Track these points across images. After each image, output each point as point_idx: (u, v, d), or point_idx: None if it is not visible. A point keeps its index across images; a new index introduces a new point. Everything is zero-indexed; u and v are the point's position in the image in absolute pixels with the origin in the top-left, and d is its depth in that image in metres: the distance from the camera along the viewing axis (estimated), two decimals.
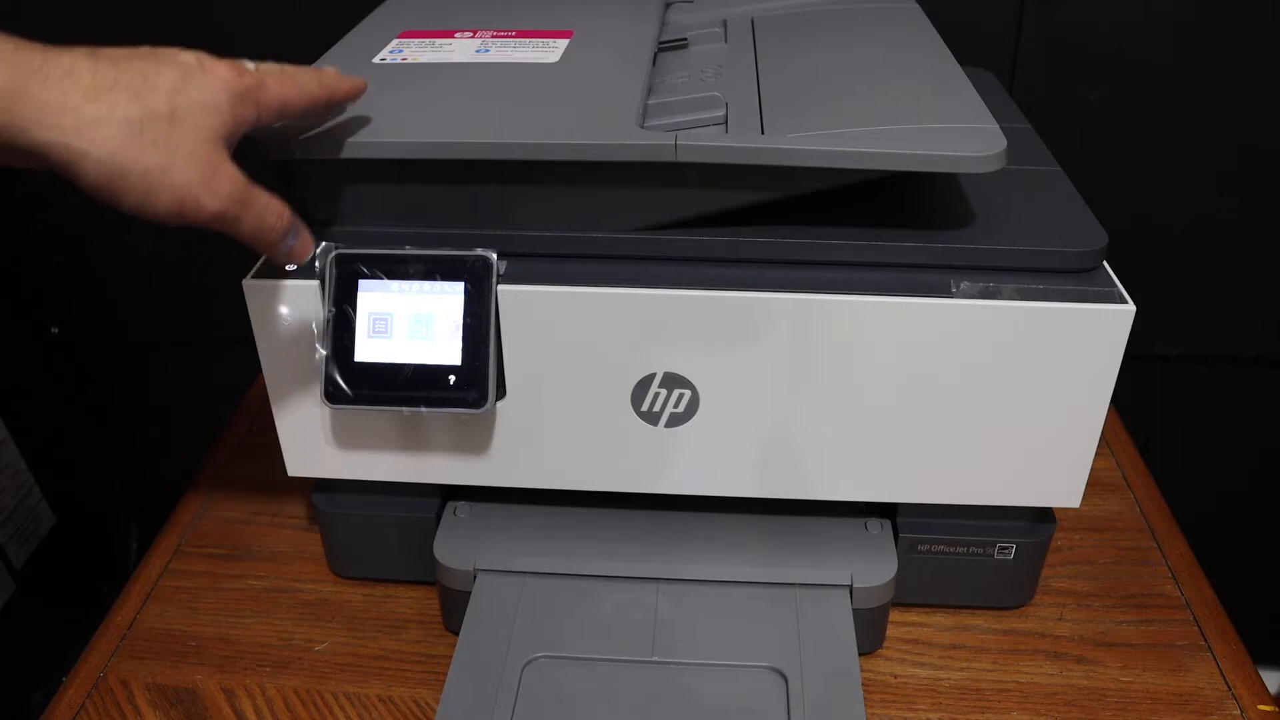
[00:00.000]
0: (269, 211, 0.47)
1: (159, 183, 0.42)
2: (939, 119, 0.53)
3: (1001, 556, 0.62)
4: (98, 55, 0.42)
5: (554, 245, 0.55)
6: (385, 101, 0.55)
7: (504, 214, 0.55)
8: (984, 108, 0.54)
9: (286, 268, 0.53)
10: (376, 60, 0.62)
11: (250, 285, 0.55)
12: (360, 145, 0.52)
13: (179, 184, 0.42)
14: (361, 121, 0.54)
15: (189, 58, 0.44)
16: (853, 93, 0.57)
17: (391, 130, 0.53)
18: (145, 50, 0.44)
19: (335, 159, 0.52)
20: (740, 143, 0.51)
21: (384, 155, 0.52)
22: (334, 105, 0.51)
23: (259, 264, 0.56)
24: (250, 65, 0.48)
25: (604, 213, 0.54)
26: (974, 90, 0.56)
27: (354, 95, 0.52)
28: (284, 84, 0.47)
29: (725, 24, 0.72)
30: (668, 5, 0.75)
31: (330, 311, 0.54)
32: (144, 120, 0.41)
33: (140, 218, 0.43)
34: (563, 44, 0.63)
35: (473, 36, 0.65)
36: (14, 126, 0.39)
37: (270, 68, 0.48)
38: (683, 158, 0.51)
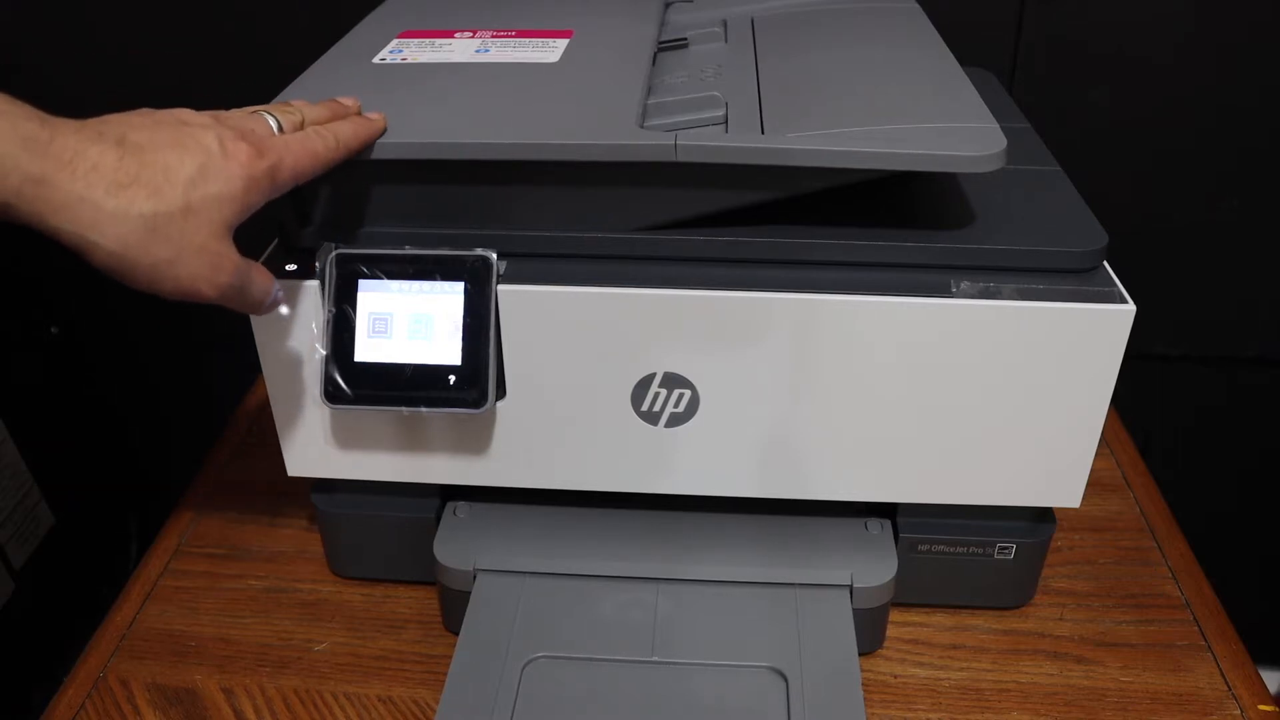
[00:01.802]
0: (258, 287, 0.49)
1: (165, 274, 0.44)
2: (939, 119, 0.53)
3: (1001, 556, 0.62)
4: (124, 145, 0.43)
5: (554, 245, 0.55)
6: (385, 102, 0.55)
7: (504, 214, 0.55)
8: (984, 107, 0.54)
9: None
10: (376, 60, 0.62)
11: None
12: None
13: (184, 276, 0.44)
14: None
15: (212, 141, 0.45)
16: (852, 92, 0.57)
17: (391, 131, 0.53)
18: (170, 130, 0.45)
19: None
20: (740, 143, 0.51)
21: (384, 156, 0.52)
22: (351, 156, 0.52)
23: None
24: (272, 125, 0.48)
25: (604, 213, 0.54)
26: (974, 90, 0.56)
27: (372, 140, 0.52)
28: (300, 158, 0.48)
29: (725, 24, 0.72)
30: (667, 5, 0.75)
31: (330, 311, 0.54)
32: (158, 217, 0.43)
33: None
34: (563, 44, 0.63)
35: (472, 36, 0.65)
36: (36, 214, 0.41)
37: (290, 136, 0.49)
38: (682, 158, 0.51)
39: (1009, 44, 0.94)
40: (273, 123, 0.49)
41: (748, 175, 0.52)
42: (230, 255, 0.46)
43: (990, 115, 0.53)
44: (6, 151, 0.39)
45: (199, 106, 0.48)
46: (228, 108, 0.49)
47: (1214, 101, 0.95)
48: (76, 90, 0.98)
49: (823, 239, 0.54)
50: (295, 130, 0.50)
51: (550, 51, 0.62)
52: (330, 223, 0.56)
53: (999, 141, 0.50)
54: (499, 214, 0.55)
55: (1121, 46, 0.93)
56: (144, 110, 0.46)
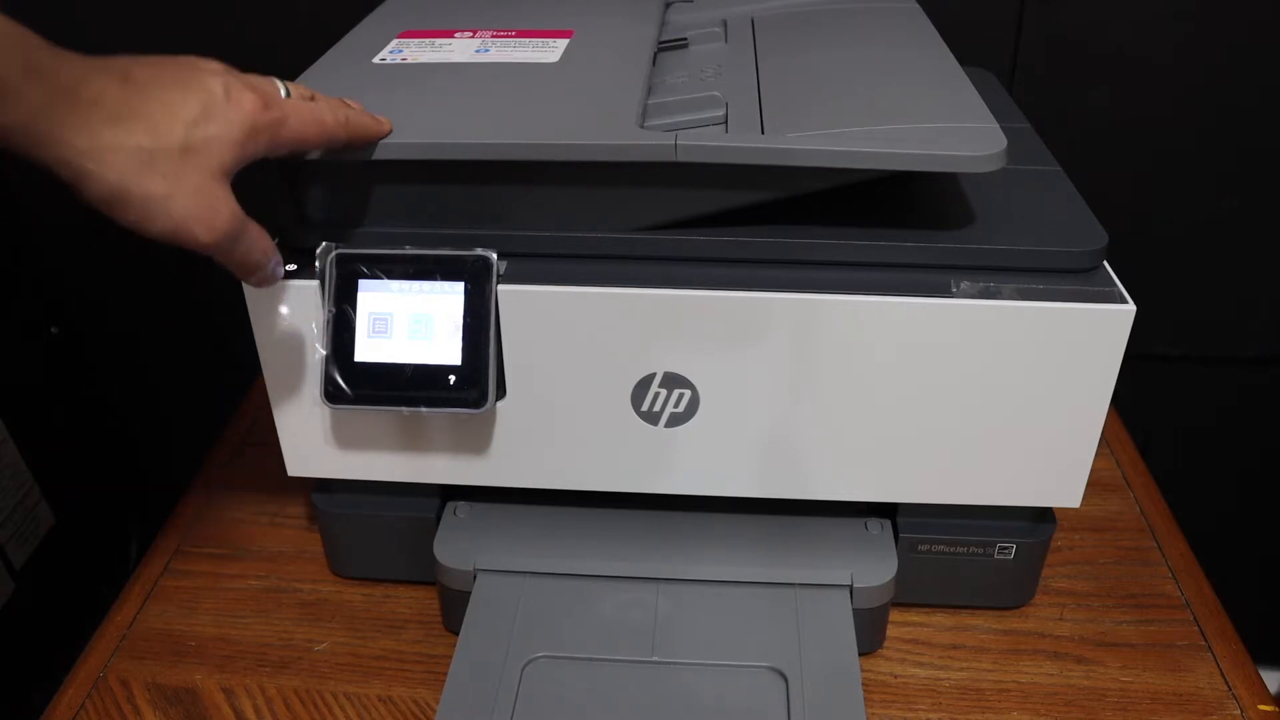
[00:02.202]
0: (255, 247, 0.48)
1: (159, 210, 0.43)
2: (939, 119, 0.53)
3: (1001, 556, 0.62)
4: (129, 80, 0.42)
5: (554, 245, 0.55)
6: (385, 102, 0.55)
7: (504, 214, 0.55)
8: (984, 107, 0.54)
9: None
10: (376, 60, 0.62)
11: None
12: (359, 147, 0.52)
13: (177, 214, 0.43)
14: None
15: (217, 86, 0.44)
16: (853, 92, 0.57)
17: (392, 131, 0.53)
18: (177, 70, 0.45)
19: (334, 160, 0.52)
20: (740, 143, 0.51)
21: (384, 156, 0.52)
22: (353, 147, 0.51)
23: None
24: (281, 91, 0.48)
25: (604, 213, 0.54)
26: (974, 90, 0.56)
27: (376, 137, 0.52)
28: (306, 122, 0.48)
29: (725, 24, 0.72)
30: (667, 5, 0.75)
31: (330, 311, 0.54)
32: (155, 152, 0.42)
33: (135, 233, 0.44)
34: (563, 44, 0.63)
35: (472, 36, 0.65)
36: (32, 143, 0.40)
37: (299, 100, 0.49)
38: (682, 158, 0.51)
39: (1009, 44, 0.94)
40: (282, 88, 0.49)
41: (748, 175, 0.52)
42: (227, 202, 0.45)
43: (990, 115, 0.53)
44: (11, 79, 0.39)
45: None
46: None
47: (1214, 101, 0.95)
48: None
49: (823, 239, 0.54)
50: (309, 100, 0.49)
51: (550, 51, 0.62)
52: (330, 223, 0.56)
53: (999, 141, 0.50)
54: (499, 214, 0.55)
55: (1121, 46, 0.93)
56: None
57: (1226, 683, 0.62)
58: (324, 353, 0.54)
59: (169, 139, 0.42)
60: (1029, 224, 0.56)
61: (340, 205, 0.55)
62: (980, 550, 0.62)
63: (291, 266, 0.55)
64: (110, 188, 0.42)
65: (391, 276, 0.54)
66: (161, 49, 0.46)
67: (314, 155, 0.51)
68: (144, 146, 0.42)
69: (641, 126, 0.54)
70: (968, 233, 0.55)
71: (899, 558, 0.61)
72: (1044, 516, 0.63)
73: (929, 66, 0.61)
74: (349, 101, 0.53)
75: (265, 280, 0.51)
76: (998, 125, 0.51)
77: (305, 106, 0.48)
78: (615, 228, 0.54)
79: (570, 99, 0.57)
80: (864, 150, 0.50)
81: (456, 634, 0.59)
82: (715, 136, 0.54)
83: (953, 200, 0.57)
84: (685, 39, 0.70)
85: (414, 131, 0.53)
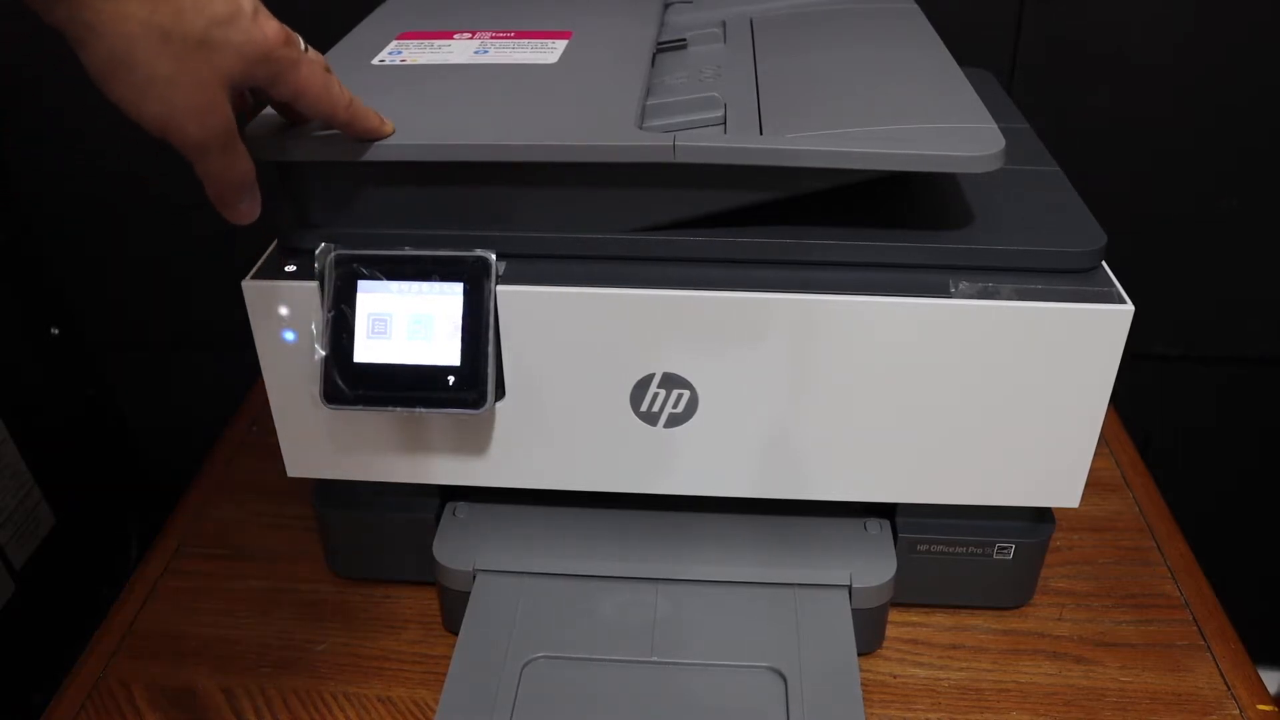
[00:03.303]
0: (238, 165, 0.48)
1: (158, 92, 0.43)
2: (938, 119, 0.53)
3: (1001, 556, 0.62)
4: None
5: (553, 246, 0.55)
6: (384, 103, 0.55)
7: (503, 215, 0.55)
8: (983, 108, 0.54)
9: (236, 221, 0.52)
10: (375, 61, 0.62)
11: (250, 286, 0.55)
12: (358, 147, 0.52)
13: (176, 100, 0.43)
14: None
15: (249, 5, 0.45)
16: (851, 93, 0.57)
17: (393, 133, 0.53)
18: None
19: (334, 161, 0.52)
20: (739, 143, 0.51)
21: (382, 157, 0.52)
22: (350, 133, 0.51)
23: (259, 264, 0.56)
24: (302, 44, 0.48)
25: (603, 214, 0.54)
26: (973, 90, 0.56)
27: (375, 136, 0.52)
28: (315, 80, 0.48)
29: (724, 24, 0.72)
30: (666, 6, 0.75)
31: (329, 312, 0.54)
32: (173, 33, 0.42)
33: (122, 113, 0.44)
34: (562, 45, 0.63)
35: (471, 38, 0.65)
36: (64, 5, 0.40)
37: (318, 63, 0.49)
38: (681, 158, 0.51)
39: (1008, 44, 0.94)
40: (302, 45, 0.49)
41: (746, 176, 0.52)
42: (224, 107, 0.45)
43: (989, 115, 0.53)
44: None
45: None
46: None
47: (1213, 101, 0.95)
48: (70, 84, 0.98)
49: (822, 239, 0.54)
50: (325, 68, 0.49)
51: (549, 52, 0.62)
52: (329, 224, 0.56)
53: (997, 141, 0.50)
54: (498, 216, 0.55)
55: (1121, 46, 0.93)
56: None
57: (1226, 683, 0.62)
58: (323, 353, 0.54)
59: (190, 27, 0.42)
60: (1028, 224, 0.56)
61: (338, 207, 0.55)
62: (979, 550, 0.62)
63: (291, 267, 0.55)
64: (117, 54, 0.41)
65: (391, 277, 0.54)
66: None
67: (313, 143, 0.51)
68: (164, 25, 0.42)
69: (640, 127, 0.54)
70: (966, 233, 0.55)
71: (898, 558, 0.61)
72: (1043, 516, 0.63)
73: (927, 67, 0.61)
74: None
75: (240, 213, 0.50)
76: (996, 126, 0.52)
77: (319, 70, 0.48)
78: (614, 228, 0.54)
79: (569, 100, 0.57)
80: (862, 151, 0.50)
81: (456, 634, 0.59)
82: (714, 137, 0.54)
83: (952, 200, 0.57)
84: (684, 40, 0.70)
85: (413, 132, 0.53)
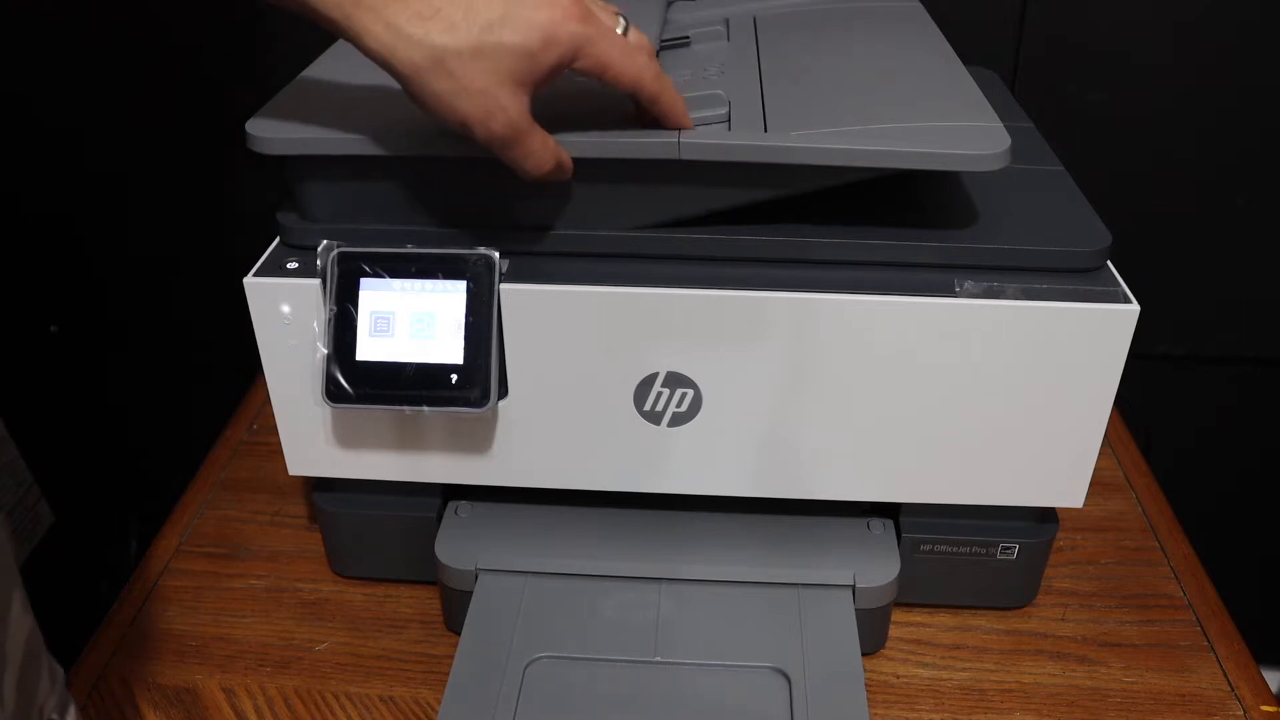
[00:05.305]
0: (532, 156, 0.49)
1: (445, 104, 0.46)
2: (943, 118, 0.53)
3: (1004, 557, 0.62)
4: None
5: (556, 243, 0.55)
6: (388, 97, 0.54)
7: (506, 212, 0.55)
8: (988, 106, 0.54)
9: None
10: None
11: (251, 284, 0.55)
12: (360, 142, 0.52)
13: (458, 111, 0.46)
14: (362, 118, 0.53)
15: None
16: (856, 91, 0.57)
17: (393, 127, 0.53)
18: None
19: (335, 155, 0.52)
20: (743, 141, 0.51)
21: (384, 152, 0.52)
22: (655, 109, 0.51)
23: (261, 262, 0.56)
24: (621, 22, 0.50)
25: (606, 211, 0.54)
26: (978, 89, 0.56)
27: (675, 124, 0.51)
28: (621, 56, 0.48)
29: (728, 22, 0.72)
30: (669, 3, 0.75)
31: (332, 310, 0.54)
32: (447, 51, 0.45)
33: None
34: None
35: None
36: (354, 34, 0.46)
37: (627, 41, 0.49)
38: (685, 156, 0.51)
39: (1011, 44, 0.94)
40: (622, 23, 0.50)
41: (751, 173, 0.52)
42: (508, 108, 0.46)
43: (994, 114, 0.53)
44: None
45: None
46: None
47: (1215, 101, 0.95)
48: (71, 84, 0.98)
49: (827, 239, 0.54)
50: (640, 47, 0.50)
51: None
52: (330, 219, 0.56)
53: (1003, 140, 0.50)
54: (502, 212, 0.55)
55: (1123, 46, 0.93)
56: None
57: (1229, 683, 0.61)
58: (325, 352, 0.54)
59: (462, 40, 0.45)
60: (1032, 224, 0.56)
61: (340, 202, 0.55)
62: (983, 550, 0.62)
63: (293, 265, 0.55)
64: (406, 80, 0.46)
65: (393, 275, 0.53)
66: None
67: (314, 138, 0.50)
68: (437, 45, 0.45)
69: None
70: (971, 232, 0.55)
71: (901, 558, 0.61)
72: (1047, 517, 0.63)
73: (932, 66, 0.61)
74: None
75: (545, 177, 0.51)
76: (1001, 124, 0.51)
77: (631, 45, 0.49)
78: (618, 226, 0.54)
79: (573, 97, 0.56)
80: (868, 149, 0.50)
81: (458, 634, 0.59)
82: (718, 135, 0.54)
83: (957, 199, 0.57)
84: (687, 38, 0.70)
85: (416, 126, 0.53)
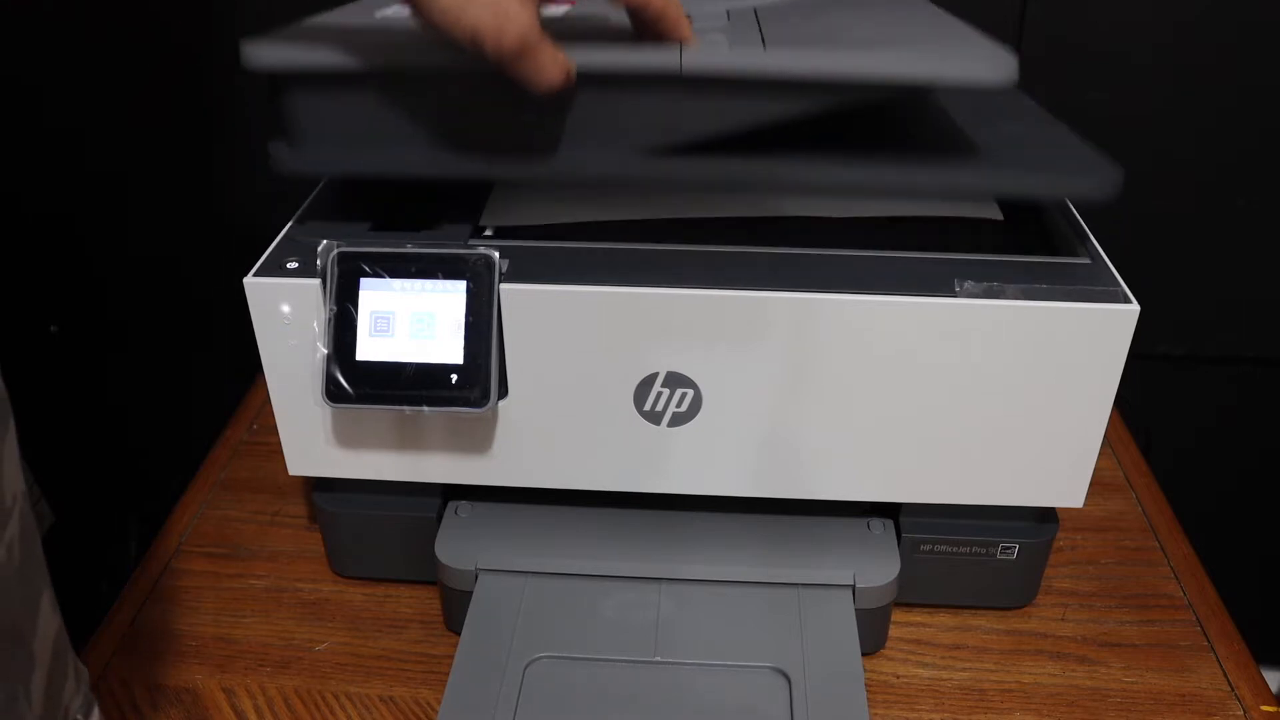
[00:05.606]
0: (545, 70, 0.48)
1: (453, 17, 0.46)
2: (950, 44, 0.52)
3: (1004, 557, 0.62)
4: None
5: (554, 167, 0.53)
6: (388, 28, 0.53)
7: (500, 133, 0.53)
8: (994, 42, 0.53)
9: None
10: (379, 15, 0.61)
11: (251, 284, 0.55)
12: (356, 58, 0.51)
13: (469, 21, 0.46)
14: (360, 38, 0.53)
15: None
16: (861, 31, 0.57)
17: (390, 43, 0.52)
18: None
19: (329, 71, 0.51)
20: (746, 55, 0.50)
21: (381, 66, 0.51)
22: (657, 25, 0.51)
23: (261, 262, 0.56)
24: None
25: (604, 133, 0.53)
26: (983, 34, 0.55)
27: (677, 36, 0.51)
28: None
29: (729, 14, 0.72)
30: None
31: (331, 310, 0.54)
32: None
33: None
34: (563, 10, 0.62)
35: None
36: None
37: None
38: (687, 71, 0.50)
39: (1010, 44, 0.94)
40: None
41: (754, 90, 0.50)
42: (519, 19, 0.46)
43: (999, 44, 0.52)
44: None
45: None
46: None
47: (1215, 101, 0.95)
48: (71, 83, 0.98)
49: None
50: None
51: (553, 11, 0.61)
52: (320, 144, 0.54)
53: (1010, 62, 0.49)
54: (496, 134, 0.53)
55: (1123, 46, 0.93)
56: None
57: (1229, 683, 0.61)
58: (325, 352, 0.54)
59: None
60: (1039, 160, 0.55)
61: (329, 120, 0.54)
62: (983, 550, 0.62)
63: (293, 264, 0.55)
64: None
65: (393, 275, 0.53)
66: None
67: (305, 50, 0.49)
68: None
69: None
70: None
71: (901, 558, 0.61)
72: (1047, 517, 0.63)
73: (936, 19, 0.60)
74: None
75: (553, 89, 0.50)
76: (1008, 51, 0.50)
77: None
78: (618, 149, 0.53)
79: (572, 21, 0.55)
80: (872, 65, 0.49)
81: (458, 634, 0.59)
82: (720, 51, 0.53)
83: (946, 126, 0.56)
84: None
85: (414, 43, 0.52)
